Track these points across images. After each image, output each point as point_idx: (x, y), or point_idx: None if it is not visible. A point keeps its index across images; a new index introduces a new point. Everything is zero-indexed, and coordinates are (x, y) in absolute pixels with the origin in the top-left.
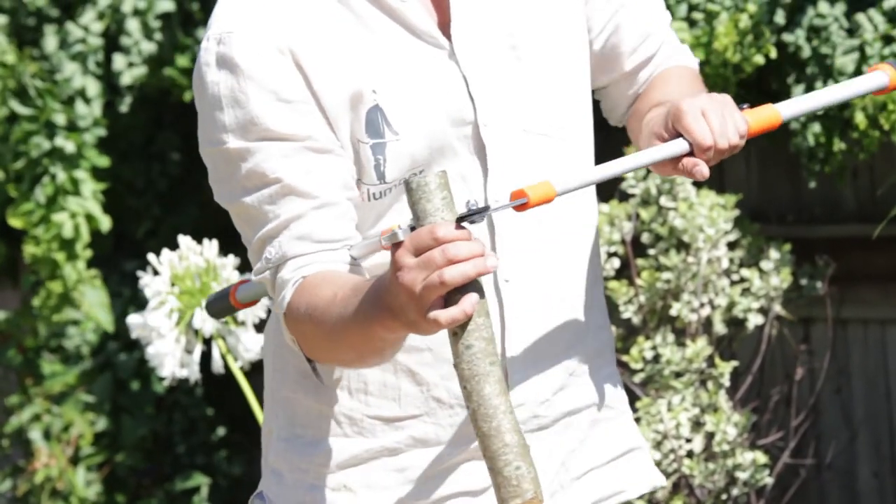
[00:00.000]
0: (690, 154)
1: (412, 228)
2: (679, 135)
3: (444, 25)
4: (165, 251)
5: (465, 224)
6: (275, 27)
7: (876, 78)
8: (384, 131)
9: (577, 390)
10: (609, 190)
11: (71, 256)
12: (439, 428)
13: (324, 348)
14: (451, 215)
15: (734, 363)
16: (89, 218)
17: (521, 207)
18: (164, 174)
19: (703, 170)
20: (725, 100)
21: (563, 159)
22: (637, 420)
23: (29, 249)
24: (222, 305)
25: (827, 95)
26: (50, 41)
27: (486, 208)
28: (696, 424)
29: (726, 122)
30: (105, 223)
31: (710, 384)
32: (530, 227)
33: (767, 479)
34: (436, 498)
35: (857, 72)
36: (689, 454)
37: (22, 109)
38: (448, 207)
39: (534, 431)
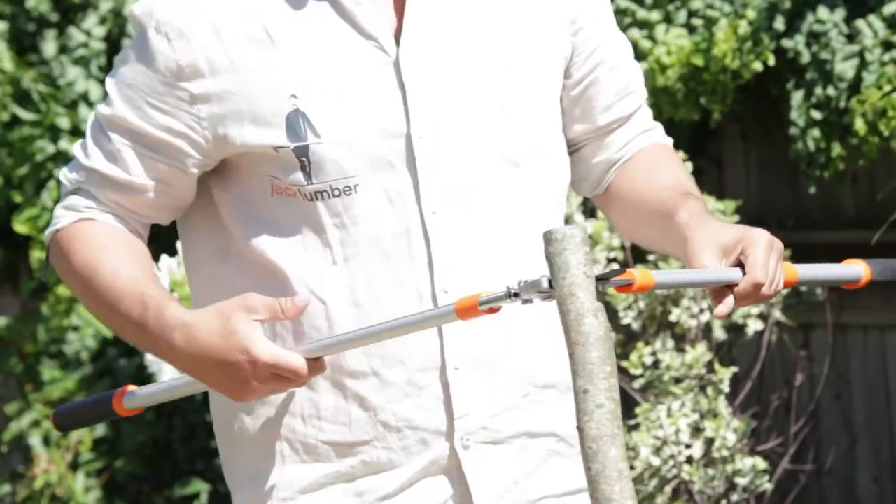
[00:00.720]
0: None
1: (549, 283)
2: (739, 261)
3: (400, 33)
4: (164, 257)
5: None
6: (196, 12)
7: (854, 270)
8: (306, 134)
9: (533, 414)
10: None
11: None
12: (391, 452)
13: (76, 291)
14: (591, 271)
15: (734, 369)
16: None
17: (624, 289)
18: None
19: (727, 309)
20: (780, 247)
21: (511, 185)
22: (636, 426)
23: (35, 254)
24: (89, 414)
25: (809, 273)
26: (49, 46)
27: (621, 270)
28: (696, 430)
29: (778, 271)
30: None
31: (709, 390)
32: (471, 238)
33: (767, 485)
34: None
35: (857, 77)
36: (689, 460)
37: (25, 114)
38: (589, 263)
39: (485, 444)
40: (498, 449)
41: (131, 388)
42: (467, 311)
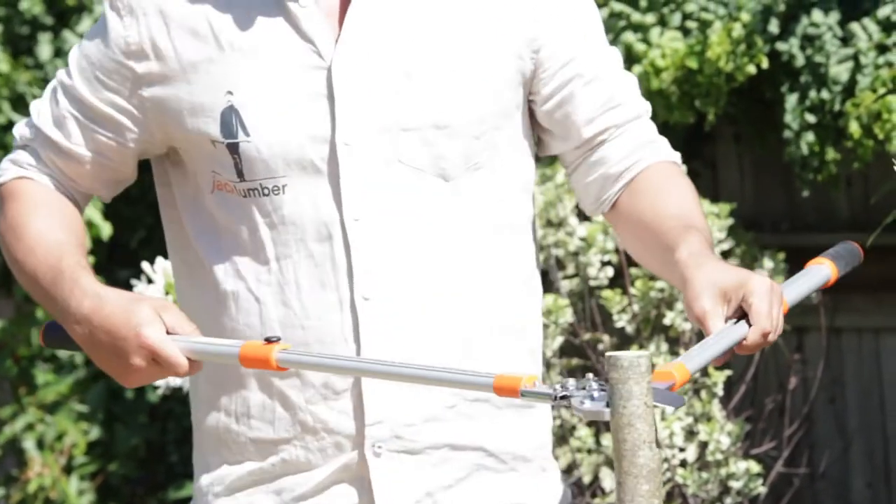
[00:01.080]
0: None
1: (608, 405)
2: (740, 308)
3: None
4: (159, 259)
5: None
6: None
7: (823, 273)
8: (237, 132)
9: (458, 427)
10: None
11: None
12: (309, 452)
13: (2, 247)
14: (651, 401)
15: (728, 372)
16: (90, 225)
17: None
18: None
19: (725, 359)
20: (780, 291)
21: (438, 197)
22: None
23: None
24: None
25: (793, 294)
26: (44, 49)
27: (671, 386)
28: (690, 433)
29: (780, 316)
30: (106, 230)
31: (703, 393)
32: (393, 242)
33: (761, 489)
34: None
35: (852, 80)
36: (683, 463)
37: (20, 118)
38: (649, 393)
39: (397, 453)
40: (414, 459)
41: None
42: (506, 390)
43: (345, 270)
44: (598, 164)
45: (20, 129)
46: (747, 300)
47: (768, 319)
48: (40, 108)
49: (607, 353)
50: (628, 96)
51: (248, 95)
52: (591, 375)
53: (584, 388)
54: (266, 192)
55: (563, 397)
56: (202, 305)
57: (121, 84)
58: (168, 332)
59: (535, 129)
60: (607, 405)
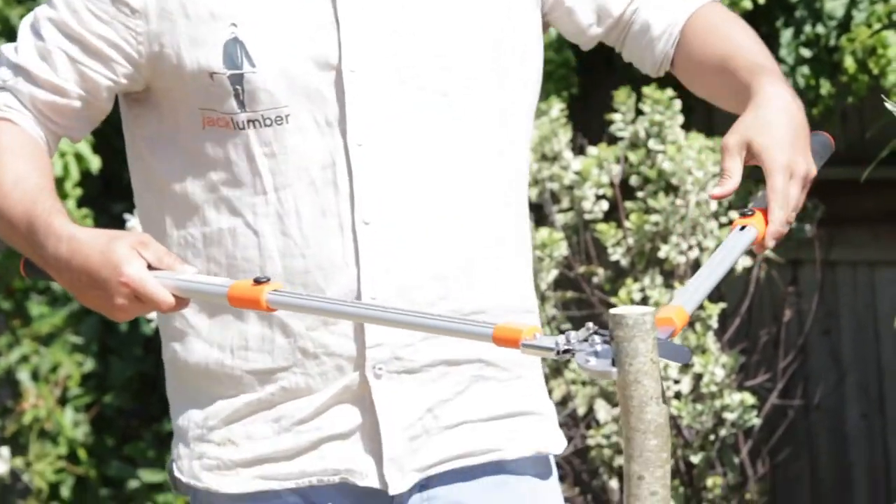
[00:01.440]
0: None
1: (613, 363)
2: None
3: None
4: (130, 216)
5: None
6: None
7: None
8: (242, 63)
9: (455, 342)
10: (597, 133)
11: (61, 195)
12: (308, 377)
13: None
14: (657, 356)
15: (722, 305)
16: (79, 158)
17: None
18: None
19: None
20: (802, 172)
21: (439, 118)
22: None
23: None
24: None
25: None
26: None
27: (672, 333)
28: (684, 366)
29: (796, 205)
30: (95, 163)
31: (698, 326)
32: (395, 167)
33: (755, 420)
34: (308, 443)
35: (847, 15)
36: (677, 395)
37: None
38: (654, 349)
39: (397, 373)
40: (413, 378)
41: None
42: (505, 341)
43: (347, 195)
44: (643, 31)
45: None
46: (766, 176)
47: (781, 216)
48: (20, 46)
49: (611, 311)
50: None
51: (253, 26)
52: (591, 325)
53: (586, 341)
54: (268, 122)
55: (565, 351)
56: (184, 244)
57: (114, 17)
58: (151, 268)
59: (568, 25)
60: (612, 363)
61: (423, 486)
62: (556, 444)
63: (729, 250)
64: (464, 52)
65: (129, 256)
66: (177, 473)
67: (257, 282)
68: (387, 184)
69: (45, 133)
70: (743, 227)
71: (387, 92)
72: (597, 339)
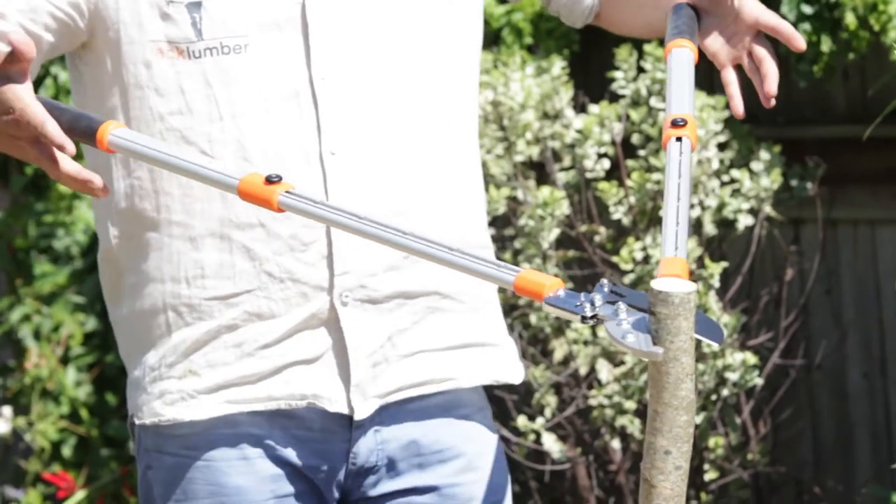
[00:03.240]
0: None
1: (653, 340)
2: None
3: None
4: None
5: None
6: None
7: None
8: None
9: (413, 274)
10: (598, 91)
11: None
12: (272, 301)
13: None
14: (694, 333)
15: (724, 264)
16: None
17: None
18: None
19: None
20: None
21: (404, 55)
22: None
23: None
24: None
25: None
26: None
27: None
28: None
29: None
30: None
31: (699, 285)
32: (359, 100)
33: (757, 380)
34: (272, 368)
35: None
36: None
37: None
38: (692, 329)
39: (362, 302)
40: (375, 308)
41: (122, 128)
42: (527, 292)
43: (313, 127)
44: None
45: None
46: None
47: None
48: None
49: (654, 287)
50: None
51: None
52: (606, 283)
53: (611, 304)
54: (226, 50)
55: (592, 317)
56: (131, 192)
57: None
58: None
59: None
60: (654, 342)
61: (379, 422)
62: (512, 374)
63: (676, 167)
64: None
65: (21, 93)
66: (138, 422)
67: (269, 181)
68: (352, 116)
69: None
70: (679, 139)
71: (348, 25)
72: (622, 306)
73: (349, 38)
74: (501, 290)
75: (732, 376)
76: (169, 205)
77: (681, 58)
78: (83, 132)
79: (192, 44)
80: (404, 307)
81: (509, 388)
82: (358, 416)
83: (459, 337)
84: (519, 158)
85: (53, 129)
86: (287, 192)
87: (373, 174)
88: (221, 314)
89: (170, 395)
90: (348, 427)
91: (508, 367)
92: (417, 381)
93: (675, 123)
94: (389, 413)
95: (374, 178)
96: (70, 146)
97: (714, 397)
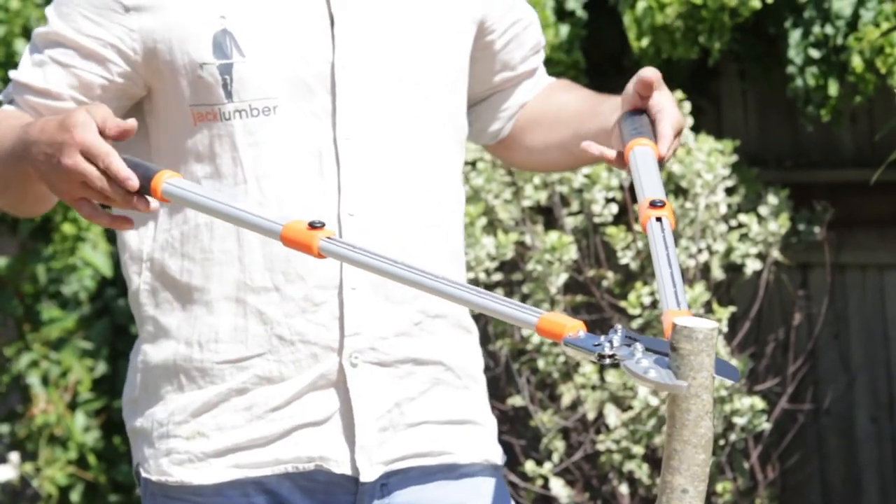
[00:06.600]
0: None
1: (677, 373)
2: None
3: None
4: None
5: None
6: None
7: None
8: (231, 53)
9: (422, 342)
10: None
11: None
12: (281, 364)
13: None
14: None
15: (732, 309)
16: None
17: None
18: None
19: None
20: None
21: (420, 115)
22: None
23: None
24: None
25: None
26: None
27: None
28: None
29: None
30: None
31: None
32: (379, 160)
33: (765, 425)
34: (281, 430)
35: (855, 14)
36: None
37: None
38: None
39: (372, 364)
40: (384, 371)
41: (177, 177)
42: (548, 333)
43: (334, 187)
44: (516, 96)
45: (2, 91)
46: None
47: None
48: (20, 66)
49: (678, 323)
50: (542, 45)
51: (243, 18)
52: (619, 327)
53: (628, 346)
54: (255, 112)
55: (610, 356)
56: (164, 246)
57: (108, 18)
58: (102, 134)
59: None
60: (676, 377)
61: (384, 485)
62: (499, 455)
63: (662, 242)
64: (434, 51)
65: (84, 120)
66: (144, 475)
67: (312, 226)
68: (371, 177)
69: None
70: (659, 219)
71: (374, 87)
72: (639, 346)
73: (373, 98)
74: (509, 336)
75: (740, 421)
76: (191, 269)
77: (644, 153)
78: (139, 178)
79: (223, 105)
80: (413, 375)
81: (517, 433)
82: (363, 479)
83: (458, 412)
84: (527, 203)
85: (118, 163)
86: (328, 237)
87: (386, 235)
88: (232, 377)
89: (177, 454)
90: (353, 485)
91: (496, 448)
92: (421, 451)
93: (653, 204)
94: (395, 478)
95: (387, 240)
96: (135, 181)
97: (722, 442)
